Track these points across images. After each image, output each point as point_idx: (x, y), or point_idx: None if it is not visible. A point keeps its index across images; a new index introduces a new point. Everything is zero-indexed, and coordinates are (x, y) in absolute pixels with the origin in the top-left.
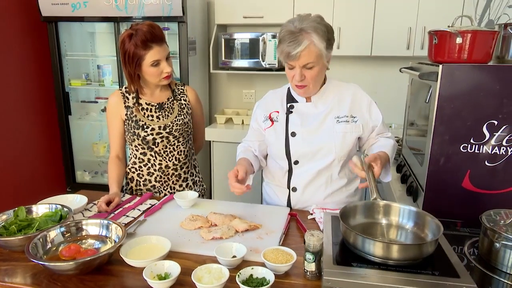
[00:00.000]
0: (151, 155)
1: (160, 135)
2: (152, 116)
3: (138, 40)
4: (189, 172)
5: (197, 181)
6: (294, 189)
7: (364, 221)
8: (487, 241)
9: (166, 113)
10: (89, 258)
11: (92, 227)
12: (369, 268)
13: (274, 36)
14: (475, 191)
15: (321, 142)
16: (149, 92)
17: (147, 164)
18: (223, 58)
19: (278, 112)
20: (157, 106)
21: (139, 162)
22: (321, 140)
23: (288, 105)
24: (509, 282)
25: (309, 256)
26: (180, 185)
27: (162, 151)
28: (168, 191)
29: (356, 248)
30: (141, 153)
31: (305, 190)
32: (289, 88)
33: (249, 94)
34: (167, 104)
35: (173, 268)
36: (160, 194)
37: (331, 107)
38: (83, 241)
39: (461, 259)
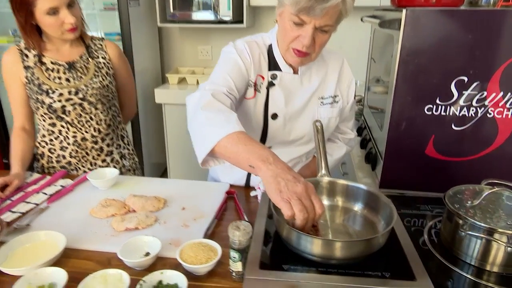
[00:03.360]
0: (62, 126)
1: (71, 102)
2: (60, 78)
3: None
4: (115, 145)
5: (126, 155)
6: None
7: None
8: (450, 227)
9: (79, 74)
10: None
11: None
12: (304, 272)
13: None
14: (440, 159)
15: (304, 129)
16: (54, 48)
17: (59, 137)
18: (171, 10)
19: (263, 78)
20: (66, 66)
21: (49, 134)
22: (304, 126)
23: (271, 73)
24: (472, 278)
25: (233, 254)
26: (103, 160)
27: (75, 121)
28: (89, 168)
29: (290, 245)
30: (49, 124)
31: None
32: (271, 45)
33: (204, 50)
34: (80, 63)
35: (59, 277)
36: (78, 171)
37: (317, 84)
38: None
39: (418, 247)
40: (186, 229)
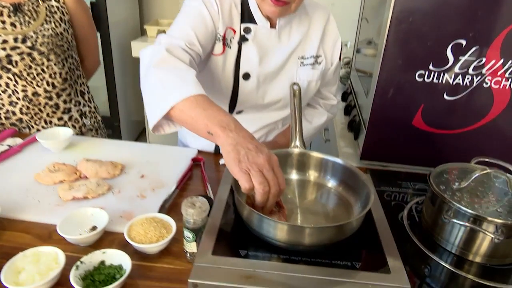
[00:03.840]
0: (9, 78)
1: (18, 51)
2: (3, 22)
3: None
4: (73, 101)
5: (87, 112)
6: None
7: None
8: (433, 210)
9: (27, 18)
10: None
11: None
12: (264, 259)
13: None
14: (428, 131)
15: (280, 93)
16: None
17: (7, 91)
18: None
19: (234, 32)
20: (11, 8)
21: None
22: (281, 89)
23: (244, 26)
24: (451, 268)
25: (187, 234)
26: (60, 118)
27: (24, 73)
28: (43, 127)
29: (252, 228)
30: None
31: None
32: None
33: None
34: (28, 5)
35: None
36: (30, 130)
37: (298, 41)
38: None
39: (396, 230)
40: (142, 200)
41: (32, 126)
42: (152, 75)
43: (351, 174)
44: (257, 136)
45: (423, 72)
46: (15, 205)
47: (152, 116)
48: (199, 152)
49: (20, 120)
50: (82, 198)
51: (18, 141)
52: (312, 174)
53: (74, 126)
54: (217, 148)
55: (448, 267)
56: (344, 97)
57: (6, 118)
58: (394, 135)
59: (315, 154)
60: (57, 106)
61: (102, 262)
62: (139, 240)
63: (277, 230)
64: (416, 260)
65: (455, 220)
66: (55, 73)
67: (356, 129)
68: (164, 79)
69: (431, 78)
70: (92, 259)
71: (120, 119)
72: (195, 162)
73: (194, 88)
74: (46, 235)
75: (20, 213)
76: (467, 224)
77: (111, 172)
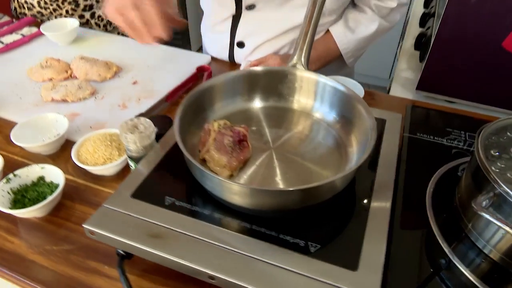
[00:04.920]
0: None
1: None
2: None
3: None
4: None
5: None
6: (241, 45)
7: (264, 105)
8: (470, 187)
9: None
10: None
11: None
12: (190, 216)
13: None
14: None
15: None
16: None
17: None
18: None
19: None
20: None
21: None
22: None
23: None
24: (474, 281)
25: (130, 163)
26: (81, 16)
27: None
28: None
29: (198, 181)
30: None
31: (257, 50)
32: None
33: None
34: None
35: None
36: None
37: None
38: None
39: (408, 204)
40: (121, 111)
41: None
42: None
43: (353, 107)
44: (279, 45)
45: None
46: None
47: None
48: (214, 60)
49: (41, 13)
50: (61, 101)
51: (34, 30)
52: (308, 104)
53: (98, 25)
54: (231, 55)
55: (470, 277)
56: (427, 2)
57: (28, 8)
58: (469, 58)
59: (314, 77)
60: (76, 3)
61: (42, 178)
62: (84, 159)
63: (223, 189)
64: (422, 256)
65: (488, 216)
66: None
67: (424, 47)
68: None
69: None
70: (30, 173)
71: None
72: (199, 73)
73: None
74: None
75: None
76: (507, 228)
77: (102, 74)
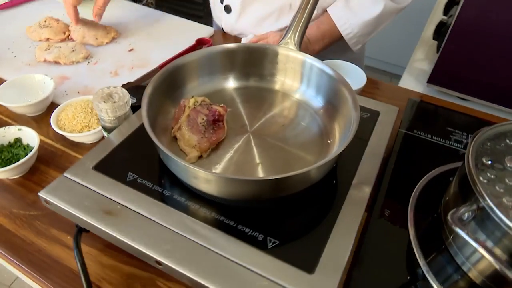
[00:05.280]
0: None
1: None
2: None
3: None
4: None
5: None
6: (228, 9)
7: (240, 84)
8: (456, 196)
9: None
10: None
11: None
12: (149, 195)
13: None
14: None
15: None
16: None
17: None
18: None
19: None
20: None
21: None
22: None
23: None
24: None
25: (104, 133)
26: None
27: None
28: None
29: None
30: None
31: (243, 13)
32: None
33: None
34: None
35: None
36: None
37: None
38: None
39: (391, 206)
40: (111, 78)
41: None
42: None
43: (339, 92)
44: (267, 10)
45: None
46: None
47: None
48: (223, 34)
49: None
50: (53, 62)
51: None
52: (285, 83)
53: None
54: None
55: None
56: None
57: None
58: (488, 52)
59: (301, 57)
60: None
61: (19, 140)
62: (62, 124)
63: (189, 175)
64: (393, 269)
65: (462, 234)
66: None
67: (442, 36)
68: None
69: None
70: (6, 133)
71: None
72: (199, 45)
73: None
74: None
75: None
76: (481, 250)
77: (99, 39)
